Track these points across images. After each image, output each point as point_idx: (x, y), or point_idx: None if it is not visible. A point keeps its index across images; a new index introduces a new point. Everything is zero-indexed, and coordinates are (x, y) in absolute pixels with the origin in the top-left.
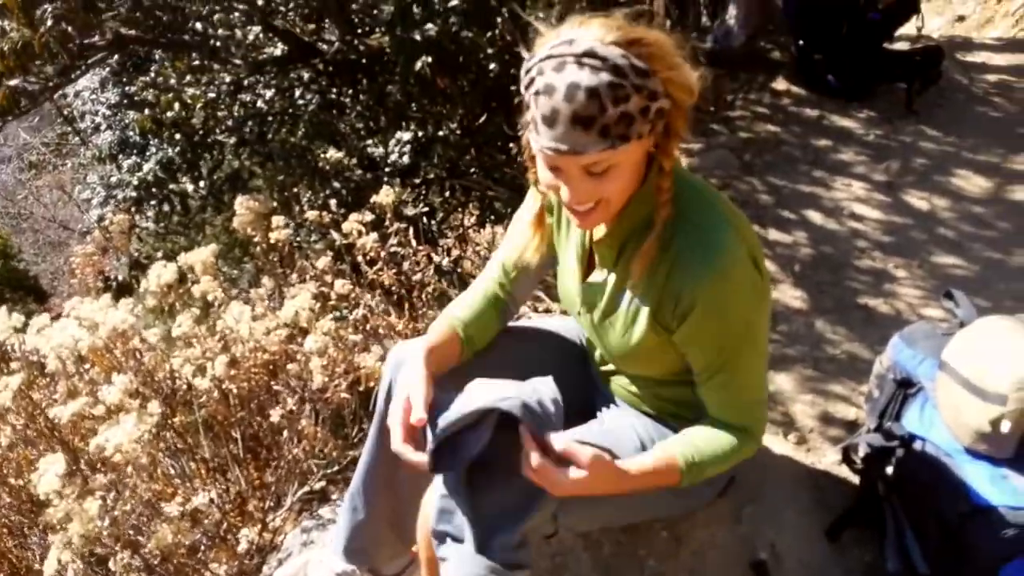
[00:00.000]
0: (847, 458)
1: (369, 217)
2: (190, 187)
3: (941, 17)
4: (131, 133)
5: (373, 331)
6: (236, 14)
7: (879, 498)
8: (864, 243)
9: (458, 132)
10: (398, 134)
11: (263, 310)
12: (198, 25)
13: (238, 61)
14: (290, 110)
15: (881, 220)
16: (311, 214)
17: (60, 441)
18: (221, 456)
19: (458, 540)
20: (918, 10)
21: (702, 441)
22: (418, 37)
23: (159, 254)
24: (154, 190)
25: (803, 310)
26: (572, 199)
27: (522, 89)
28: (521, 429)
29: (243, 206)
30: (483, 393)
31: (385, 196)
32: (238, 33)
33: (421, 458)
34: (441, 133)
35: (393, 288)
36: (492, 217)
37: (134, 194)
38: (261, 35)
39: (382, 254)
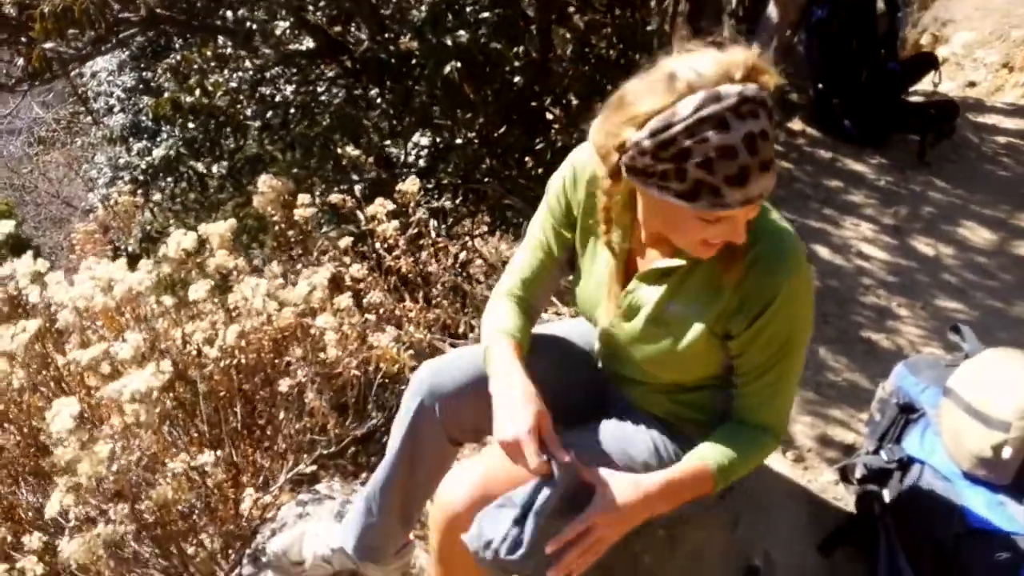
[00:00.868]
0: (844, 478)
1: (391, 206)
2: (210, 168)
3: (953, 82)
4: (144, 118)
5: (388, 315)
6: (269, 4)
7: (874, 518)
8: (870, 281)
9: (476, 141)
10: (415, 137)
11: (278, 285)
12: (229, 13)
13: (267, 51)
14: (313, 104)
15: (887, 261)
16: (335, 197)
17: (70, 392)
18: (218, 430)
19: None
20: (936, 66)
21: (730, 444)
22: (449, 42)
23: (171, 228)
24: (174, 165)
25: None
26: (738, 237)
27: (653, 160)
28: None
29: (266, 184)
30: None
31: (411, 185)
32: (269, 25)
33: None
34: (459, 141)
35: (410, 276)
36: (503, 226)
37: (141, 177)
38: (290, 29)
39: (400, 242)
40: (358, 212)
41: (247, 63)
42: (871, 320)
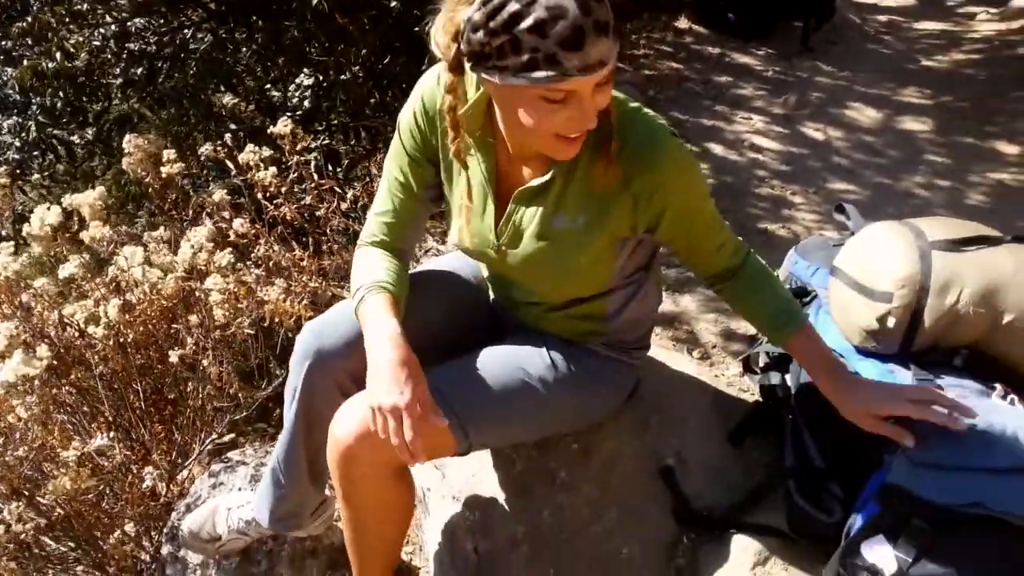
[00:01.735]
0: (748, 368)
1: (268, 153)
2: (76, 136)
3: None
4: (10, 91)
5: (276, 266)
6: None
7: (778, 403)
8: (764, 172)
9: (360, 75)
10: (299, 79)
11: (158, 251)
12: None
13: (123, 1)
14: (180, 53)
15: (779, 151)
16: (206, 147)
17: None
18: (122, 414)
19: None
20: None
21: (760, 293)
22: None
23: (44, 205)
24: (37, 138)
25: None
26: (587, 121)
27: (487, 35)
28: None
29: (131, 144)
30: None
31: (283, 127)
32: None
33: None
34: (343, 77)
35: (296, 223)
36: None
37: (17, 156)
38: None
39: (283, 189)
40: (227, 162)
41: (107, 18)
42: (767, 211)
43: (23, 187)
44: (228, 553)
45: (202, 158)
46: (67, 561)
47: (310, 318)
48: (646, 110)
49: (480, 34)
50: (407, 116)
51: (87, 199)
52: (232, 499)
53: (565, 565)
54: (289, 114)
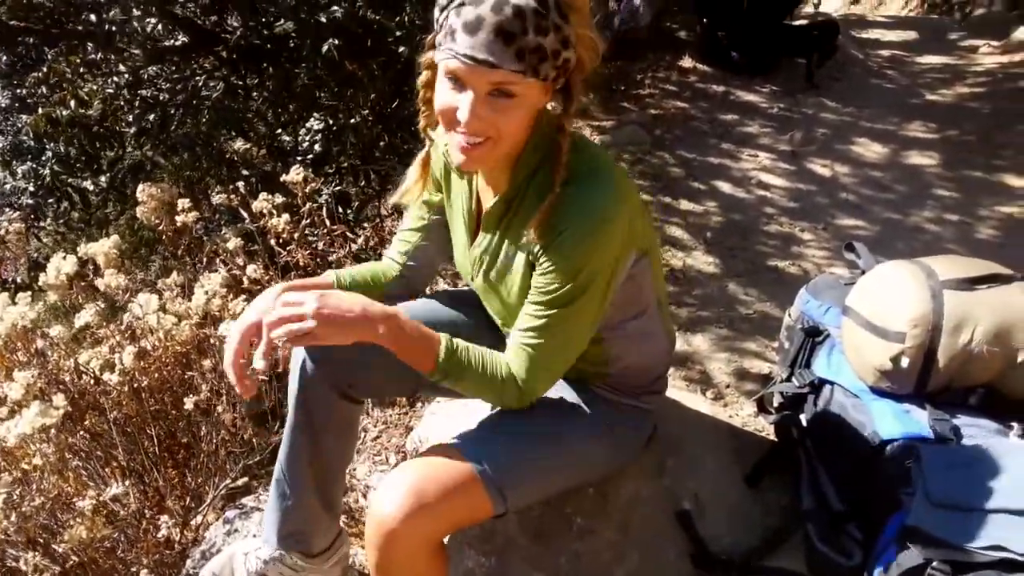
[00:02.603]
0: (762, 408)
1: (280, 200)
2: (89, 183)
3: (838, 0)
4: (25, 137)
5: None
6: (127, 3)
7: (794, 443)
8: (771, 209)
9: (370, 119)
10: (309, 123)
11: (172, 298)
12: (92, 16)
13: (136, 51)
14: (193, 101)
15: (787, 187)
16: (219, 196)
17: None
18: (135, 459)
19: None
20: None
21: (481, 355)
22: (324, 19)
23: (60, 253)
24: (51, 185)
25: (716, 274)
26: (470, 121)
27: (439, 11)
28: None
29: (145, 193)
30: None
31: (295, 175)
32: (135, 23)
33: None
34: (353, 121)
35: (309, 268)
36: None
37: (31, 201)
38: (160, 25)
39: (295, 235)
40: (240, 210)
41: (120, 67)
42: (776, 248)
43: (37, 234)
44: None
45: (215, 204)
46: None
47: None
48: (609, 176)
49: (438, 13)
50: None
51: (102, 248)
52: (248, 544)
53: None
54: (300, 158)
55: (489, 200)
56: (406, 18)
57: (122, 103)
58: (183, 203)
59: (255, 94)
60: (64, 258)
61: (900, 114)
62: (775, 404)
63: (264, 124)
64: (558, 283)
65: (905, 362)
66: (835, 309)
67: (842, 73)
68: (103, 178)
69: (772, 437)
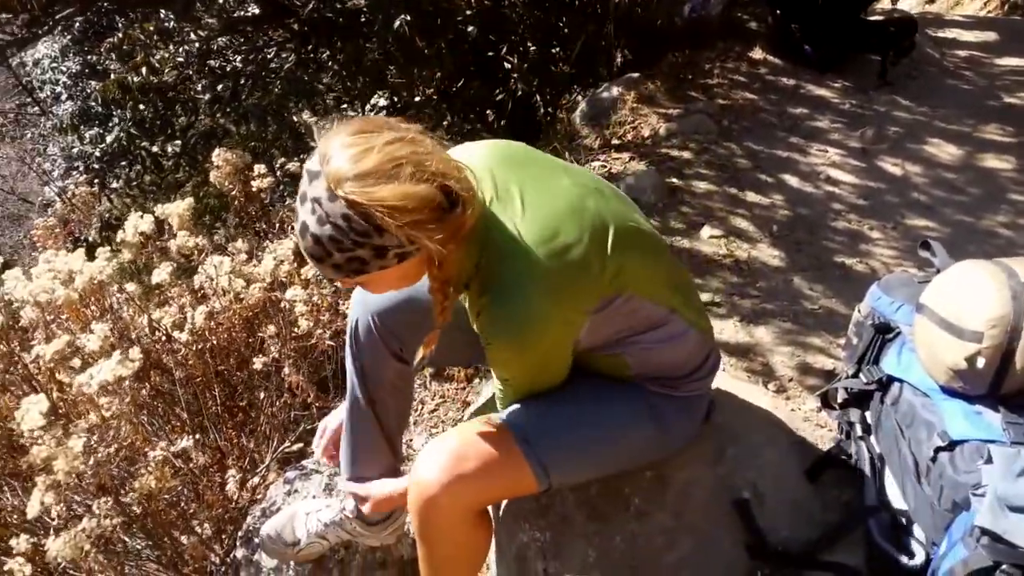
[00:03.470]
0: (826, 404)
1: None
2: (161, 148)
3: None
4: (93, 103)
5: None
6: None
7: (857, 439)
8: (840, 206)
9: (435, 97)
10: (373, 99)
11: (243, 262)
12: None
13: (211, 20)
14: (263, 72)
15: (856, 184)
16: (293, 165)
17: (40, 389)
18: (197, 419)
19: None
20: None
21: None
22: None
23: (137, 213)
24: (126, 148)
25: (781, 268)
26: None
27: None
28: None
29: (221, 158)
30: None
31: None
32: None
33: None
34: (417, 99)
35: None
36: None
37: (96, 166)
38: None
39: None
40: None
41: (192, 35)
42: (844, 245)
43: (109, 196)
44: (305, 559)
45: (279, 174)
46: (141, 558)
47: None
48: (522, 286)
49: None
50: None
51: (177, 209)
52: (310, 504)
53: None
54: None
55: None
56: None
57: (191, 72)
58: (259, 168)
59: (325, 67)
60: (141, 217)
61: (976, 116)
62: (839, 400)
63: (333, 98)
64: (505, 376)
65: (981, 363)
66: (907, 307)
67: (917, 72)
68: (176, 143)
69: (835, 433)
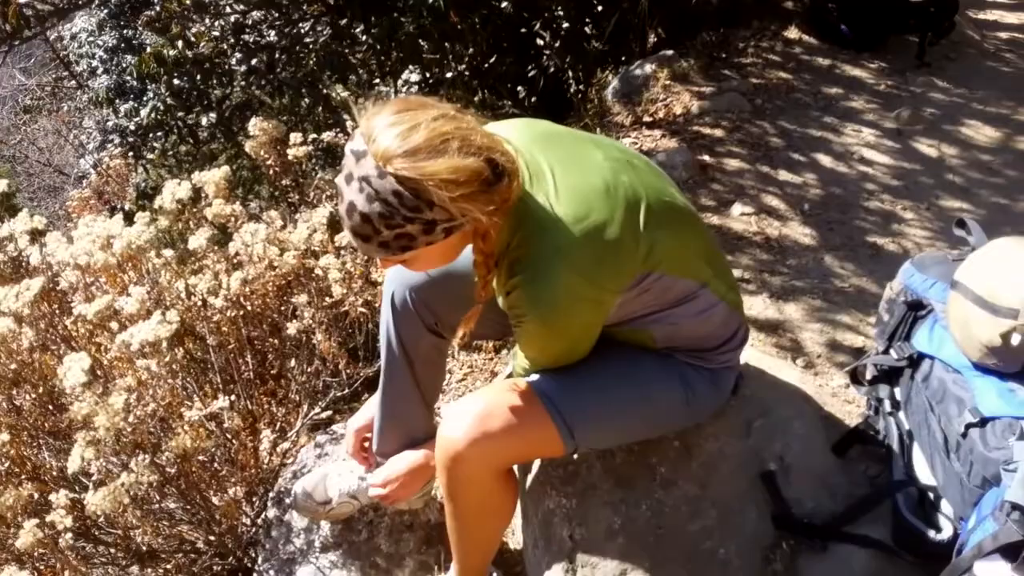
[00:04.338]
0: (855, 380)
1: None
2: (199, 119)
3: None
4: (128, 77)
5: None
6: None
7: (886, 415)
8: (873, 186)
9: (466, 73)
10: (405, 74)
11: (278, 229)
12: None
13: None
14: (297, 47)
15: (890, 165)
16: (327, 135)
17: (80, 349)
18: (230, 386)
19: None
20: None
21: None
22: None
23: (174, 180)
24: (163, 119)
25: (812, 246)
26: (381, 265)
27: None
28: None
29: (257, 127)
30: None
31: None
32: None
33: None
34: (449, 75)
35: None
36: None
37: (131, 139)
38: None
39: None
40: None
41: (227, 8)
42: (876, 225)
43: (145, 166)
44: (335, 518)
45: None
46: (174, 519)
47: None
48: (556, 266)
49: None
50: None
51: (213, 177)
52: (342, 466)
53: (660, 560)
54: None
55: None
56: None
57: (226, 47)
58: (295, 137)
59: (359, 42)
60: (179, 184)
61: (1016, 98)
62: (869, 376)
63: (366, 72)
64: (532, 354)
65: (1016, 339)
66: (941, 284)
67: (956, 53)
68: (211, 115)
69: (863, 409)
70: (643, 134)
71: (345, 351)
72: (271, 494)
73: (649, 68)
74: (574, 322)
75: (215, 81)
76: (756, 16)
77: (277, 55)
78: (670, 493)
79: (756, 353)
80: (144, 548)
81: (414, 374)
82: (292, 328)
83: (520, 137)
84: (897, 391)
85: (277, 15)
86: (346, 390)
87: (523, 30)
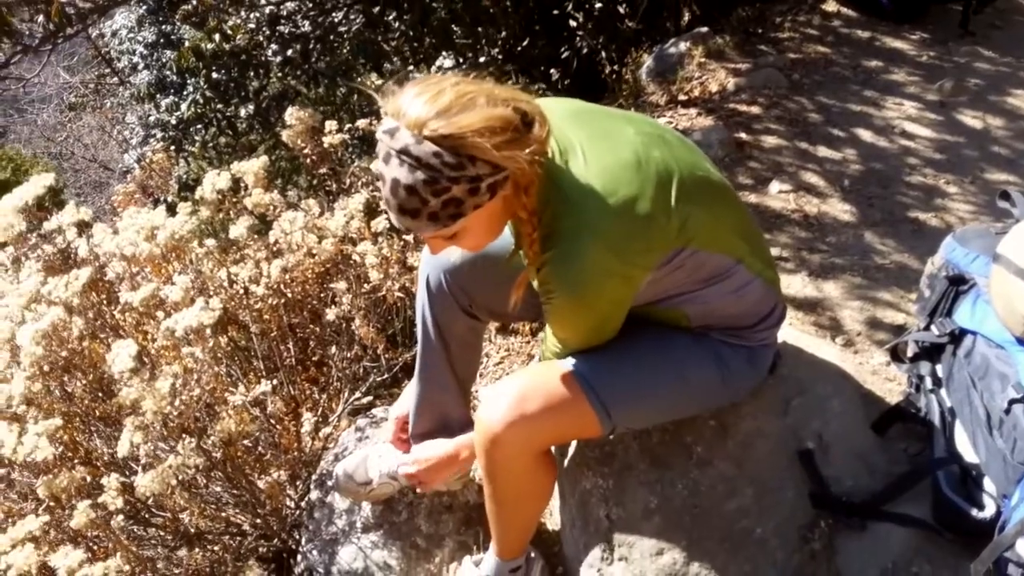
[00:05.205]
0: (896, 357)
1: None
2: (237, 110)
3: None
4: (168, 72)
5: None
6: None
7: (928, 392)
8: (915, 160)
9: (500, 57)
10: (439, 60)
11: (313, 218)
12: None
13: None
14: (331, 36)
15: (933, 138)
16: (362, 122)
17: (127, 336)
18: (274, 370)
19: None
20: None
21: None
22: None
23: (214, 171)
24: (202, 112)
25: (852, 222)
26: (431, 251)
27: None
28: None
29: (294, 116)
30: None
31: None
32: None
33: None
34: (482, 60)
35: None
36: None
37: (172, 133)
38: None
39: None
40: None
41: (262, 0)
42: (918, 200)
43: (187, 158)
44: (376, 499)
45: (346, 134)
46: (220, 501)
47: None
48: (590, 239)
49: None
50: None
51: (252, 167)
52: (382, 448)
53: (697, 539)
54: None
55: None
56: None
57: (262, 39)
58: (330, 125)
59: (392, 29)
60: (219, 174)
61: None
62: (910, 354)
63: (400, 59)
64: (562, 334)
65: None
66: (983, 258)
67: (1002, 21)
68: (249, 106)
69: (903, 387)
70: (678, 113)
71: (384, 336)
72: (313, 477)
73: (684, 46)
74: (603, 298)
75: (252, 73)
76: None
77: (312, 45)
78: (706, 472)
79: (794, 332)
80: (192, 530)
81: (449, 357)
82: (331, 314)
83: (551, 114)
84: (939, 368)
85: (311, 5)
86: (385, 375)
87: (555, 12)
